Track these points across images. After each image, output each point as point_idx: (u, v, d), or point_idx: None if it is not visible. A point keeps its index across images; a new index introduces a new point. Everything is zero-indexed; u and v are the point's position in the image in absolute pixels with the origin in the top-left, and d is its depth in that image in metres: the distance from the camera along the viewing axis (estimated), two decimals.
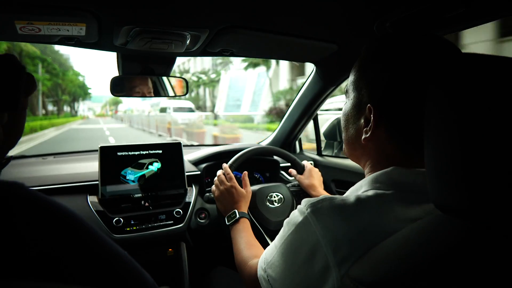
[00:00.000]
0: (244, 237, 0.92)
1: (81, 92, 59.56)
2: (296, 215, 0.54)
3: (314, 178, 1.26)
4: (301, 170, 1.30)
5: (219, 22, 0.91)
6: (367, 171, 0.61)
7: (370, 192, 0.53)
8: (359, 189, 0.58)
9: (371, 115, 0.56)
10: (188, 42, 0.98)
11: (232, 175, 1.11)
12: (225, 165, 1.16)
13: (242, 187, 1.11)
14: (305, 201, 0.53)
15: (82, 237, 0.41)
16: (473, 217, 0.38)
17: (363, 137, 0.58)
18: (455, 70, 0.40)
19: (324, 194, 1.22)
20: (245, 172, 1.16)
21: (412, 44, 0.56)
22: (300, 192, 1.29)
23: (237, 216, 0.99)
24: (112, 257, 0.43)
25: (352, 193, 0.57)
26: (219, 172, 1.13)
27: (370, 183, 0.56)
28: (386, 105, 0.55)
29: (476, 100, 0.37)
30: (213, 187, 1.12)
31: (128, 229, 1.18)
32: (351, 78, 0.63)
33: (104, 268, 0.41)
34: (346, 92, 0.65)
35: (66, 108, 57.03)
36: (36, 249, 0.36)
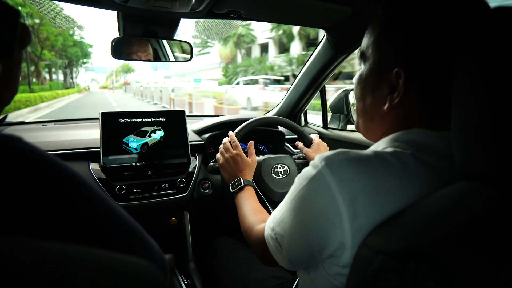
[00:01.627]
0: (249, 204, 0.89)
1: (78, 52, 38.78)
2: (309, 169, 0.50)
3: (322, 152, 1.23)
4: (308, 143, 1.26)
5: None
6: (381, 138, 0.57)
7: (388, 149, 0.50)
8: (377, 147, 0.54)
9: (399, 80, 0.51)
10: (193, 0, 0.92)
11: (238, 143, 1.08)
12: (231, 133, 1.12)
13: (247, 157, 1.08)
14: (319, 156, 0.50)
15: (84, 195, 0.38)
16: (502, 182, 0.35)
17: (386, 105, 0.53)
18: (482, 34, 0.37)
19: None
20: (251, 142, 1.12)
21: (444, 2, 0.51)
22: (306, 165, 1.26)
23: (242, 183, 0.97)
24: (115, 219, 0.41)
25: (369, 150, 0.54)
26: (225, 140, 1.10)
27: (388, 142, 0.53)
28: (418, 68, 0.50)
29: (507, 62, 0.34)
30: (218, 154, 1.09)
31: (131, 196, 1.16)
32: (369, 40, 0.56)
33: (107, 229, 0.39)
34: (361, 57, 0.59)
35: (56, 77, 38.33)
36: (32, 205, 0.34)
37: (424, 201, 0.44)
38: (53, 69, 36.17)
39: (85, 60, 47.45)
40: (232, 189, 0.97)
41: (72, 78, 47.50)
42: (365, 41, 0.57)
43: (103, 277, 0.27)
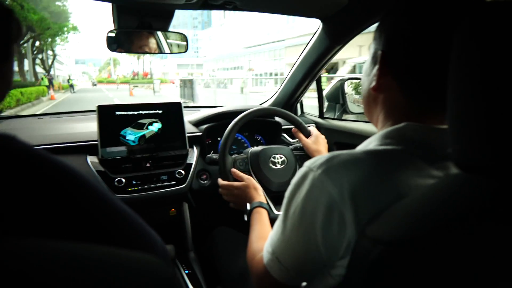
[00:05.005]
0: (255, 229, 0.88)
1: (47, 21, 24.05)
2: (303, 181, 0.50)
3: (320, 144, 1.24)
4: (307, 134, 1.27)
5: None
6: (379, 126, 0.59)
7: (380, 147, 0.52)
8: (368, 145, 0.56)
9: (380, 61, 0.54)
10: None
11: (225, 184, 1.11)
12: (220, 181, 1.14)
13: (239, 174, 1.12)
14: (310, 164, 0.50)
15: (82, 190, 0.39)
16: (500, 174, 0.36)
17: (371, 85, 0.56)
18: (482, 12, 0.36)
19: None
20: (233, 170, 1.13)
21: None
22: (304, 156, 1.27)
23: (248, 209, 0.98)
24: (116, 213, 0.41)
25: (361, 148, 0.55)
26: (220, 183, 1.13)
27: (380, 139, 0.54)
28: (397, 50, 0.52)
29: (507, 46, 0.33)
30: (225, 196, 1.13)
31: (130, 189, 1.17)
32: (374, 32, 0.60)
33: (109, 224, 0.40)
34: (369, 48, 0.61)
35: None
36: (30, 204, 0.34)
37: (420, 192, 0.45)
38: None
39: (61, 38, 28.67)
40: (246, 218, 0.98)
41: (46, 67, 29.25)
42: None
43: (110, 274, 0.27)
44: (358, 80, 1.98)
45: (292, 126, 1.30)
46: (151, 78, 51.49)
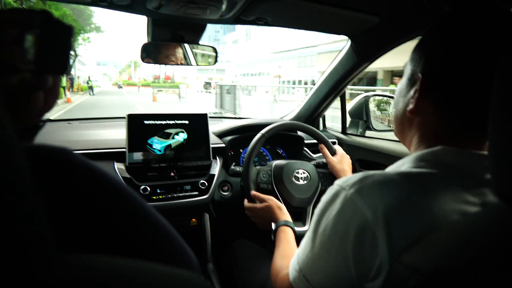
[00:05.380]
0: (280, 247, 0.90)
1: (68, 20, 10.69)
2: (335, 199, 0.50)
3: (345, 163, 1.23)
4: (332, 152, 1.27)
5: None
6: (413, 149, 0.58)
7: (414, 170, 0.50)
8: (401, 166, 0.55)
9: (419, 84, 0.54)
10: (223, 7, 0.94)
11: (249, 206, 1.12)
12: (246, 204, 1.16)
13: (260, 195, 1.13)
14: (342, 182, 0.50)
15: (135, 207, 0.40)
16: None
17: (408, 107, 0.55)
18: None
19: None
20: (253, 192, 1.14)
21: (477, 17, 0.52)
22: (327, 175, 1.26)
23: (273, 230, 0.99)
24: (162, 232, 0.42)
25: (393, 169, 0.55)
26: (245, 203, 1.16)
27: (414, 161, 0.53)
28: (438, 75, 0.52)
29: None
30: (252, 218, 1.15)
31: (154, 197, 1.19)
32: (411, 53, 0.60)
33: (157, 242, 0.40)
34: (404, 68, 0.61)
35: None
36: (90, 218, 0.35)
37: (458, 219, 0.44)
38: None
39: (82, 38, 26.68)
40: (273, 238, 0.99)
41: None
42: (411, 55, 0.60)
43: None
44: (381, 97, 1.96)
45: (315, 141, 1.30)
46: (174, 81, 49.44)
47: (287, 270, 0.64)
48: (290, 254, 0.84)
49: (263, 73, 40.43)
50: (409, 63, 0.59)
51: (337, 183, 0.51)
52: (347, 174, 1.17)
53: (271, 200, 1.08)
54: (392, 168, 0.57)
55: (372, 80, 18.45)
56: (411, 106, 0.55)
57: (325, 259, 0.51)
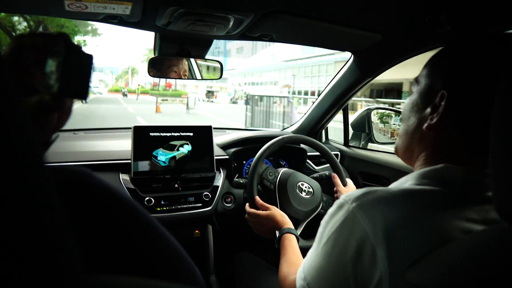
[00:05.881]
0: (285, 254, 0.91)
1: (61, 20, 14.27)
2: (337, 211, 0.52)
3: None
4: (344, 183, 1.27)
5: (265, 6, 0.88)
6: (418, 164, 0.59)
7: (417, 187, 0.51)
8: (404, 183, 0.56)
9: (442, 102, 0.53)
10: (230, 25, 0.96)
11: (252, 211, 1.12)
12: (247, 208, 1.16)
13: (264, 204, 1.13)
14: (346, 196, 0.51)
15: (150, 227, 0.41)
16: None
17: (426, 124, 0.55)
18: None
19: None
20: (257, 198, 1.14)
21: (488, 41, 0.54)
22: (330, 201, 1.27)
23: (277, 237, 1.00)
24: (174, 251, 0.43)
25: (396, 186, 0.55)
26: (247, 209, 1.15)
27: (417, 178, 0.54)
28: (460, 92, 0.52)
29: None
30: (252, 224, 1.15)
31: (158, 209, 1.20)
32: (424, 68, 0.60)
33: (169, 261, 0.41)
34: (415, 82, 0.62)
35: None
36: (110, 240, 0.36)
37: (463, 238, 0.45)
38: None
39: (77, 41, 21.17)
40: (276, 245, 1.00)
41: None
42: (422, 70, 0.61)
43: None
44: (384, 110, 1.98)
45: (318, 154, 1.31)
46: (176, 89, 46.03)
47: (293, 277, 0.67)
48: (295, 261, 0.86)
49: (270, 83, 37.74)
50: (423, 78, 0.59)
51: (342, 196, 0.53)
52: None
53: (274, 208, 1.09)
54: (395, 185, 0.57)
55: (394, 93, 17.10)
56: (430, 122, 0.55)
57: (326, 270, 0.52)
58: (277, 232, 1.00)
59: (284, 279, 0.77)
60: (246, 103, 12.58)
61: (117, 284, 0.28)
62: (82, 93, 0.41)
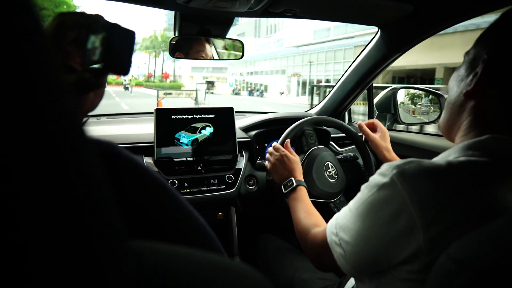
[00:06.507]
0: (302, 206, 0.89)
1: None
2: (379, 178, 0.51)
3: (388, 141, 1.11)
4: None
5: None
6: (460, 135, 0.57)
7: (462, 159, 0.50)
8: (448, 156, 0.54)
9: (481, 67, 0.52)
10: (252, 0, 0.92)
11: (279, 146, 1.07)
12: (274, 143, 1.11)
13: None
14: (388, 164, 0.51)
15: (171, 198, 0.40)
16: None
17: (465, 90, 0.54)
18: None
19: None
20: (288, 141, 1.10)
21: None
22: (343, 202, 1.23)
23: (294, 184, 0.96)
24: (198, 223, 0.42)
25: (441, 159, 0.54)
26: (270, 148, 1.10)
27: (461, 150, 0.52)
28: (503, 57, 0.50)
29: None
30: (266, 162, 1.09)
31: (182, 191, 1.20)
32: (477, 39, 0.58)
33: (183, 227, 0.41)
34: (465, 54, 0.59)
35: None
36: (145, 207, 0.36)
37: (510, 215, 0.42)
38: None
39: None
40: (285, 190, 0.97)
41: None
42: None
43: (231, 280, 0.28)
44: (412, 90, 1.90)
45: (342, 135, 1.27)
46: (175, 81, 41.77)
47: (318, 229, 0.71)
48: (314, 212, 0.86)
49: (276, 72, 33.19)
50: (472, 49, 0.57)
51: (384, 165, 0.52)
52: (392, 153, 1.09)
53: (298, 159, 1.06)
54: (438, 158, 0.56)
55: (425, 80, 15.97)
56: (467, 88, 0.54)
57: (358, 231, 0.52)
58: (293, 179, 0.97)
59: (306, 231, 0.76)
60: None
61: (158, 249, 0.27)
62: (125, 68, 0.41)
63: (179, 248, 0.29)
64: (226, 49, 1.26)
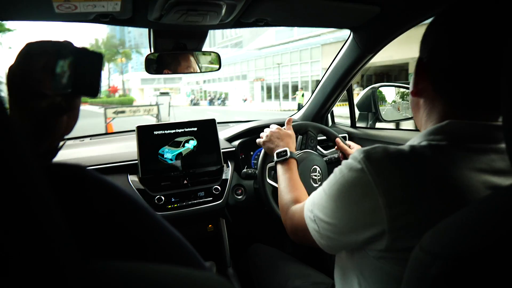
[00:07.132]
0: (289, 178, 0.92)
1: None
2: (349, 162, 0.55)
3: None
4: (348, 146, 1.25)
5: None
6: (423, 128, 0.61)
7: (424, 143, 0.53)
8: (413, 142, 0.57)
9: (418, 67, 0.57)
10: (223, 12, 0.94)
11: (279, 127, 1.10)
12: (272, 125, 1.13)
13: None
14: (358, 150, 0.54)
15: (143, 214, 0.40)
16: None
17: (411, 89, 0.59)
18: None
19: None
20: (291, 118, 1.14)
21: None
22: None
23: (288, 155, 0.98)
24: (173, 238, 0.42)
25: (406, 145, 0.57)
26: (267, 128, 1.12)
27: (423, 136, 0.55)
28: (436, 56, 0.54)
29: None
30: (259, 139, 1.10)
31: (169, 206, 1.19)
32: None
33: (168, 247, 0.41)
34: None
35: None
36: (109, 228, 0.36)
37: (475, 203, 0.42)
38: None
39: None
40: (277, 158, 0.98)
41: None
42: None
43: None
44: (390, 88, 1.94)
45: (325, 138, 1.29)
46: (125, 95, 36.51)
47: (295, 206, 0.77)
48: (297, 186, 0.89)
49: (236, 77, 30.06)
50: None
51: (357, 150, 0.55)
52: None
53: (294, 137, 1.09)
54: (405, 145, 0.59)
55: (397, 76, 16.16)
56: (413, 88, 0.59)
57: (330, 209, 0.56)
58: (287, 150, 0.99)
59: (287, 206, 0.80)
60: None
61: (115, 268, 0.27)
62: (94, 90, 0.41)
63: (147, 266, 0.29)
64: (205, 61, 1.27)
